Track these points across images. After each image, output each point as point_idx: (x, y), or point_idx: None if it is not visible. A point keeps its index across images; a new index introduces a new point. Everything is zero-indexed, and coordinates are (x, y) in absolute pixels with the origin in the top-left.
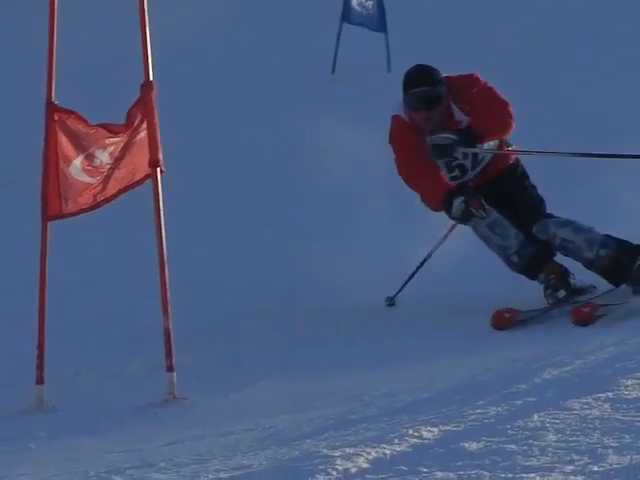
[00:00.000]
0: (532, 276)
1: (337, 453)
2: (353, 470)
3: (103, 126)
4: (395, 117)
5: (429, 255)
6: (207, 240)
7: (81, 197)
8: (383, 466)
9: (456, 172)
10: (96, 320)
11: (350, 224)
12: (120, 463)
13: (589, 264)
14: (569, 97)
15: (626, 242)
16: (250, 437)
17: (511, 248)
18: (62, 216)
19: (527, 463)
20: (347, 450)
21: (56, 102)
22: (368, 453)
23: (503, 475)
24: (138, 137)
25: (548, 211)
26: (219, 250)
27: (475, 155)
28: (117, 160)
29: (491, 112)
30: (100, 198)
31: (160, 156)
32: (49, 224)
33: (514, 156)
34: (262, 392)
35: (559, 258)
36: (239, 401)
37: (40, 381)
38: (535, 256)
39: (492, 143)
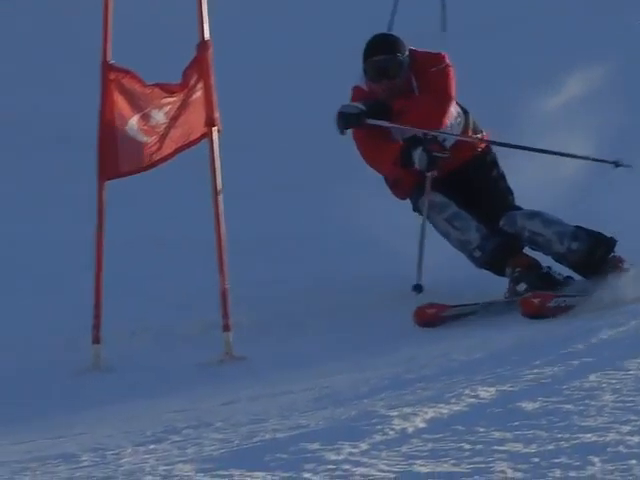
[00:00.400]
0: (498, 271)
1: (394, 413)
2: (410, 430)
3: (159, 86)
4: (355, 88)
5: (423, 232)
6: (263, 200)
7: (137, 156)
8: (440, 425)
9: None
10: (152, 279)
11: None
12: (177, 423)
13: (560, 258)
14: None
15: (598, 234)
16: (307, 397)
17: (472, 243)
18: (118, 175)
19: (584, 423)
20: (404, 410)
21: (112, 61)
22: (425, 413)
23: (560, 435)
24: (194, 96)
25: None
26: (275, 210)
27: (435, 137)
28: (173, 119)
29: (427, 99)
30: (156, 157)
31: (217, 115)
32: (105, 183)
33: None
34: (319, 352)
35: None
36: (296, 361)
37: (97, 340)
38: (499, 249)
39: (455, 125)
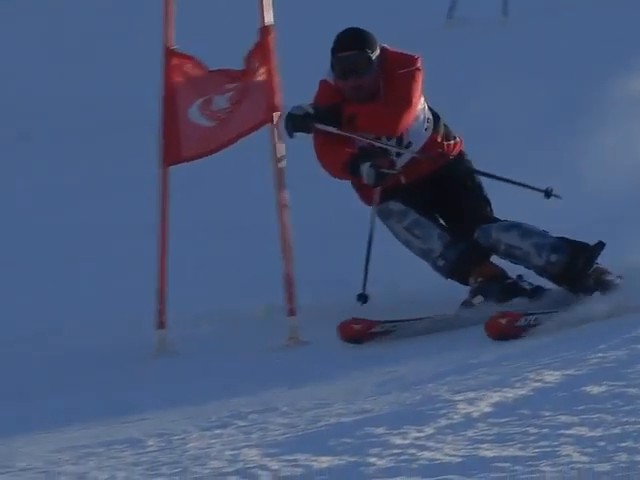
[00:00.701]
0: (462, 281)
1: (459, 397)
2: (476, 414)
3: (221, 71)
4: (322, 82)
5: (370, 241)
6: (325, 185)
7: (200, 141)
8: (505, 410)
9: (386, 142)
10: (216, 263)
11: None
12: (242, 407)
13: (540, 271)
14: None
15: (581, 244)
16: (371, 381)
17: (435, 251)
18: (181, 160)
19: None
20: (469, 394)
21: (174, 47)
22: (490, 397)
23: (625, 419)
24: (256, 82)
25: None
26: (336, 195)
27: (400, 140)
28: (235, 104)
29: (382, 104)
30: (219, 142)
31: (279, 100)
32: (168, 168)
33: (457, 148)
34: None
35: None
36: (360, 346)
37: (162, 325)
38: (462, 257)
39: (423, 131)
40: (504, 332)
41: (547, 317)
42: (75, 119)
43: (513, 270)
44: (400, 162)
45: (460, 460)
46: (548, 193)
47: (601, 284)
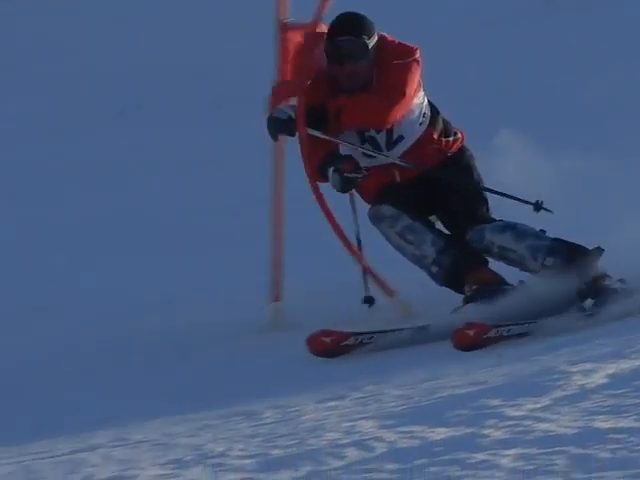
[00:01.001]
0: (458, 289)
1: (574, 369)
2: (591, 385)
3: None
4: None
5: (358, 240)
6: None
7: None
8: (621, 381)
9: (367, 145)
10: (326, 236)
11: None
12: (357, 380)
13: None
14: None
15: (578, 247)
16: (485, 354)
17: (428, 257)
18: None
19: None
20: (584, 366)
21: (288, 20)
22: (606, 368)
23: None
24: None
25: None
26: None
27: (390, 133)
28: None
29: (371, 95)
30: None
31: None
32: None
33: (457, 144)
34: None
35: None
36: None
37: (277, 298)
38: (457, 264)
39: (417, 127)
40: (471, 344)
41: (525, 328)
42: (187, 89)
43: (515, 276)
44: (377, 162)
45: (576, 432)
46: (538, 206)
47: (599, 289)
